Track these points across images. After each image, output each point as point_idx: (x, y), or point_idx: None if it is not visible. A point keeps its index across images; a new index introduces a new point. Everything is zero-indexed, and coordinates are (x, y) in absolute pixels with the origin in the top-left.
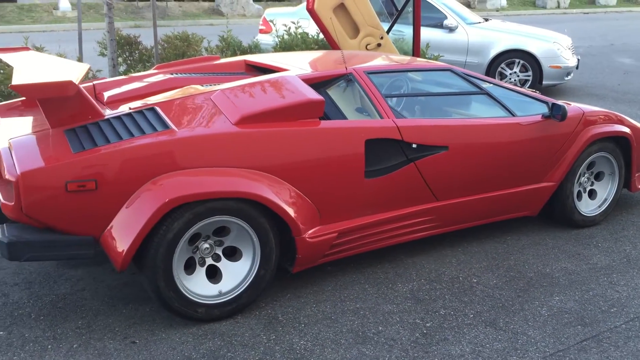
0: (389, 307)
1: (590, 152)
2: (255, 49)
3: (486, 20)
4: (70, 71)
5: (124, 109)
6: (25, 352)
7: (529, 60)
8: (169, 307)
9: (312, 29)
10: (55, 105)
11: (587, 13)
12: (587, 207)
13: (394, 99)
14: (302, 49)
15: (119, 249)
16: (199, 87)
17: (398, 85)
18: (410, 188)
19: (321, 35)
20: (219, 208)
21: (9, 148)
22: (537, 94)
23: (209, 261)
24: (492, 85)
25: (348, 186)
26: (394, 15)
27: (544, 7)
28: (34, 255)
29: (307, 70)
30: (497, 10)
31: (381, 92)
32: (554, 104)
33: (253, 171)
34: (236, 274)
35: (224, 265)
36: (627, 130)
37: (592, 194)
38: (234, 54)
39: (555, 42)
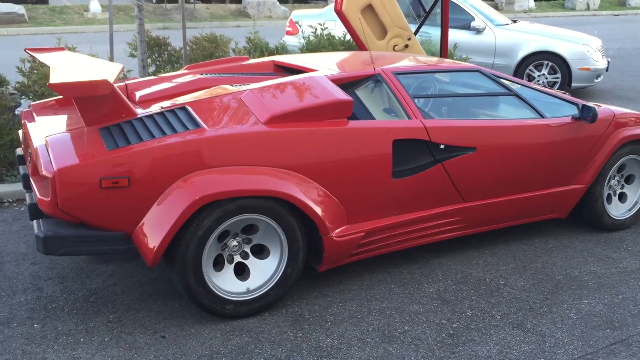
0: (415, 307)
1: (621, 154)
2: (282, 50)
3: (514, 21)
4: (105, 70)
5: (156, 108)
6: (58, 344)
7: (558, 62)
8: (198, 303)
9: (338, 31)
10: (90, 103)
11: (618, 15)
12: (617, 210)
13: (422, 100)
14: (328, 51)
15: (150, 245)
16: (228, 87)
17: (426, 86)
18: (438, 189)
19: (347, 37)
20: (248, 206)
21: (45, 145)
22: (567, 96)
23: (237, 258)
24: (520, 86)
25: (375, 186)
26: (421, 16)
27: (573, 9)
28: (68, 250)
29: (336, 71)
30: (525, 12)
31: (409, 93)
32: (584, 106)
33: (282, 170)
34: (264, 272)
35: (251, 262)
36: None
37: (622, 197)
38: (262, 55)
39: (585, 44)
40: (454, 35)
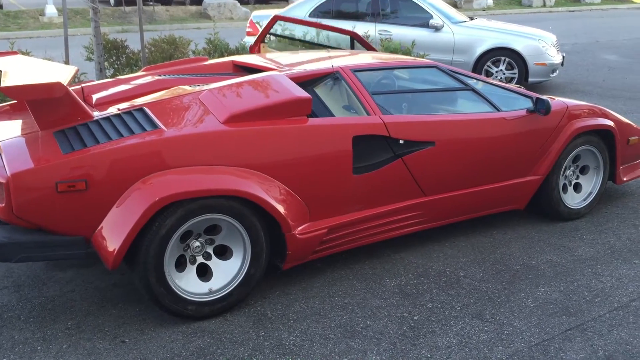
0: (377, 302)
1: (575, 145)
2: (243, 50)
3: (472, 19)
4: (59, 73)
5: (113, 110)
6: (15, 353)
7: (515, 58)
8: (159, 304)
9: (298, 31)
10: (44, 107)
11: (573, 11)
12: (573, 200)
13: (381, 96)
14: (290, 49)
15: (110, 248)
16: (186, 87)
17: (384, 83)
18: (398, 183)
19: (308, 36)
20: (211, 206)
21: None
22: (522, 89)
23: (200, 259)
24: (477, 81)
25: (336, 182)
26: (380, 15)
27: (530, 6)
28: (25, 256)
29: (294, 69)
30: (483, 10)
31: (368, 90)
32: (537, 99)
33: (242, 169)
34: (227, 273)
35: (214, 263)
36: (611, 123)
37: (577, 188)
38: (221, 56)
39: (541, 39)
40: (413, 33)
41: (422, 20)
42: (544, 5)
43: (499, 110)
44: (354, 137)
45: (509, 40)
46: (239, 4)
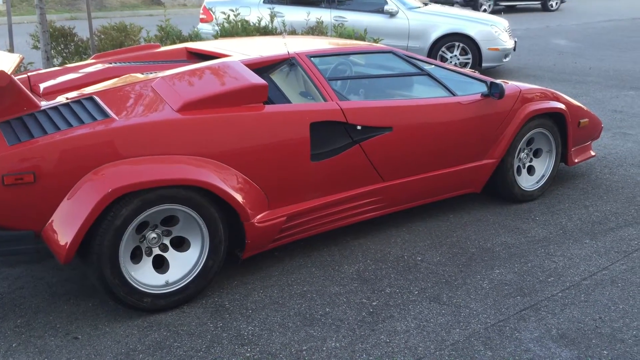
0: (336, 289)
1: (529, 128)
2: (196, 37)
3: (425, 4)
4: (2, 62)
5: (61, 99)
6: None
7: (469, 43)
8: (114, 296)
9: (252, 17)
10: None
11: None
12: (527, 182)
13: (338, 82)
14: (242, 37)
15: (62, 242)
16: (138, 75)
17: (341, 68)
18: (357, 169)
19: (262, 23)
20: (167, 196)
21: None
22: (476, 74)
23: (156, 251)
24: (433, 66)
25: (294, 170)
26: (333, 2)
27: None
28: None
29: (250, 56)
30: None
31: (324, 75)
32: (492, 83)
33: (198, 158)
34: (184, 265)
35: (171, 255)
36: (562, 106)
37: (530, 170)
38: (174, 44)
39: (493, 25)
40: (368, 19)
41: (377, 6)
42: None
43: (454, 95)
44: (311, 123)
45: (462, 25)
46: None
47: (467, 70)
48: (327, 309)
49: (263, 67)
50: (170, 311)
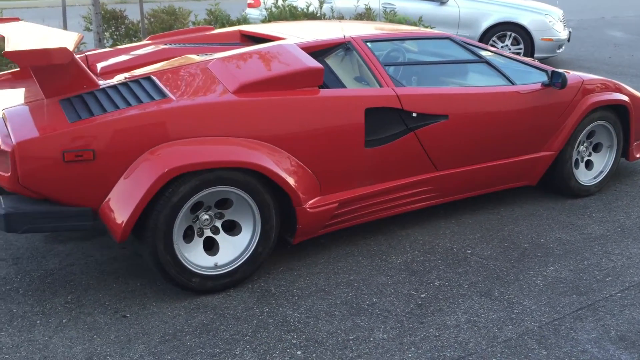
0: (383, 279)
1: (591, 120)
2: (244, 22)
3: None
4: (63, 39)
5: (120, 78)
6: (13, 327)
7: (521, 32)
8: (165, 274)
9: (300, 2)
10: (50, 74)
11: None
12: (585, 176)
13: (393, 68)
14: (290, 20)
15: (119, 220)
16: (194, 56)
17: (396, 54)
18: (410, 158)
19: (310, 8)
20: (223, 178)
21: (2, 118)
22: (536, 62)
23: (208, 233)
24: (491, 53)
25: (348, 156)
26: None
27: None
28: (31, 227)
29: (305, 39)
30: None
31: (380, 61)
32: (553, 72)
33: (253, 140)
34: (234, 248)
35: (222, 238)
36: (626, 98)
37: (589, 165)
38: (223, 27)
39: (547, 14)
40: (418, 6)
41: None
42: None
43: (513, 84)
44: (366, 109)
45: (515, 14)
46: None
47: (526, 58)
48: (375, 299)
49: (318, 51)
50: (217, 294)
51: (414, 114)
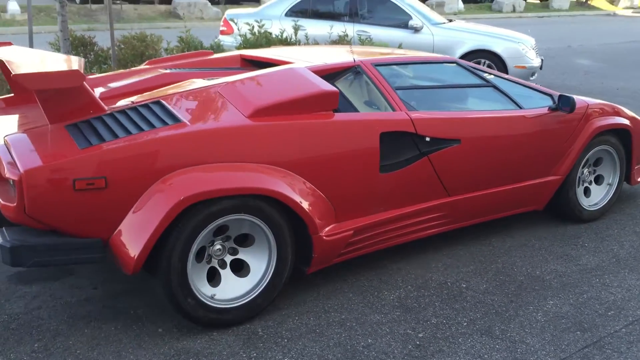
0: (377, 317)
1: (595, 143)
2: (218, 49)
3: (450, 20)
4: (72, 63)
5: (126, 103)
6: None
7: (494, 60)
8: (176, 304)
9: (275, 29)
10: (56, 98)
11: (542, 17)
12: (586, 202)
13: (403, 91)
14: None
15: (131, 252)
16: (201, 80)
17: (405, 78)
18: (424, 183)
19: (285, 34)
20: (242, 205)
21: (5, 145)
22: (539, 87)
23: (214, 263)
24: (497, 77)
25: (363, 181)
26: (359, 15)
27: (500, 11)
28: (38, 261)
29: (313, 63)
30: (454, 14)
31: (391, 85)
32: (562, 96)
33: (268, 166)
34: (233, 289)
35: (226, 274)
36: (627, 122)
37: (586, 192)
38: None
39: (520, 42)
40: (392, 34)
41: (401, 21)
42: (514, 11)
43: (521, 108)
44: (381, 133)
45: (489, 42)
46: (209, 4)
47: (529, 82)
48: (370, 340)
49: (328, 75)
50: (199, 338)
51: (428, 139)
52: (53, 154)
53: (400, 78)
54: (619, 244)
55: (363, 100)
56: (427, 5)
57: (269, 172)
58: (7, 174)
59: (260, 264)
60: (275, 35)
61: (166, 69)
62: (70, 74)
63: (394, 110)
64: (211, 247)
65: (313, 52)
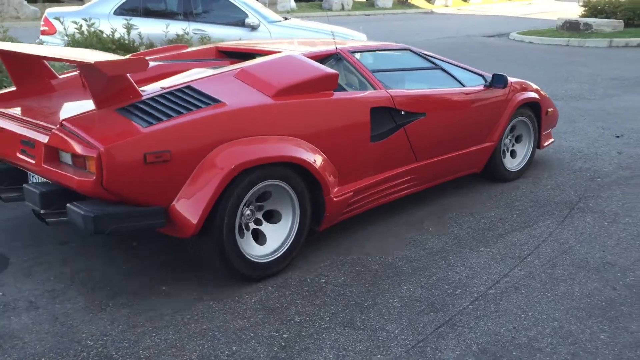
0: (240, 323)
1: (516, 114)
2: None
3: (286, 19)
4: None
5: (155, 88)
6: None
7: None
8: (229, 265)
9: (103, 28)
10: (104, 85)
11: (369, 15)
12: (511, 164)
13: (378, 74)
14: (99, 48)
15: (192, 216)
16: (205, 69)
17: (375, 62)
18: (400, 150)
19: (117, 35)
20: (274, 172)
21: (67, 127)
22: (470, 67)
23: (252, 226)
24: (440, 61)
25: (359, 149)
26: (193, 14)
27: (330, 9)
28: (117, 227)
29: (300, 51)
30: (287, 12)
31: (367, 68)
32: (495, 74)
33: (292, 138)
34: (278, 236)
35: (266, 228)
36: (537, 95)
37: (513, 154)
38: None
39: (353, 39)
40: (229, 32)
41: (237, 19)
42: (343, 9)
43: (464, 86)
44: (371, 108)
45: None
46: (25, 2)
47: (463, 64)
48: (234, 347)
49: (316, 61)
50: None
51: (403, 112)
52: (122, 132)
53: (370, 62)
54: (458, 226)
55: (345, 82)
56: (261, 4)
57: (296, 143)
58: (82, 151)
59: (286, 220)
60: (107, 34)
61: (161, 61)
62: (138, 61)
63: (375, 89)
64: (243, 217)
65: (295, 43)
